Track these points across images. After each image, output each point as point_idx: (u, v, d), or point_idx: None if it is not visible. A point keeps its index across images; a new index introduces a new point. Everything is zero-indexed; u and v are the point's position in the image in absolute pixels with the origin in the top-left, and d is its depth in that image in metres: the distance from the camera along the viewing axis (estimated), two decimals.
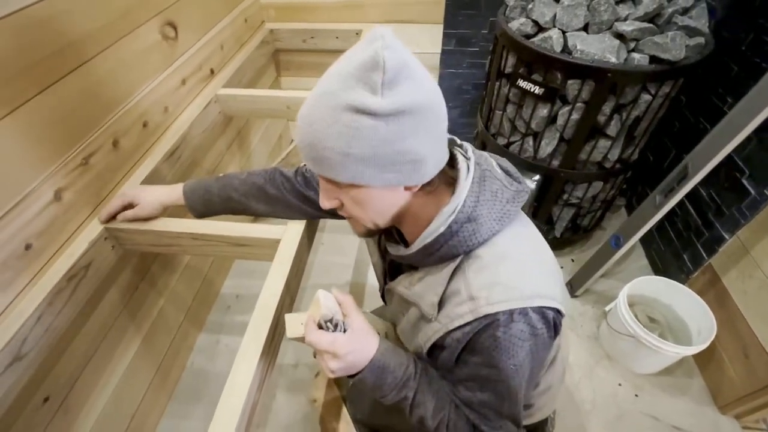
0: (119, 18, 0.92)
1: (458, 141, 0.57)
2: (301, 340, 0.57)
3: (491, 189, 0.52)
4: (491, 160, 0.58)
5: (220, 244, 0.87)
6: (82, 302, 0.84)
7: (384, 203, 0.51)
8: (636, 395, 1.24)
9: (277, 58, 1.84)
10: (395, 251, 0.60)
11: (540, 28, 1.13)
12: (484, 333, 0.51)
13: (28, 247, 0.74)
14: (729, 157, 1.10)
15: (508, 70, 1.24)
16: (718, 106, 1.28)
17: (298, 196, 0.79)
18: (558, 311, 0.52)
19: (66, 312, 0.79)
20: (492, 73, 1.34)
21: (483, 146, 1.51)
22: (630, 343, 1.20)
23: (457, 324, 0.51)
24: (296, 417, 1.20)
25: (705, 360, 1.27)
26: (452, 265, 0.53)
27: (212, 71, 1.33)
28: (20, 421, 0.76)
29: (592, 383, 1.27)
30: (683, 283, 1.28)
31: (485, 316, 0.49)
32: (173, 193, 0.83)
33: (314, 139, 0.46)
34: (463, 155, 0.56)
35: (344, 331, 0.55)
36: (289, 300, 0.81)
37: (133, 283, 1.05)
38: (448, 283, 0.53)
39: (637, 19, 1.03)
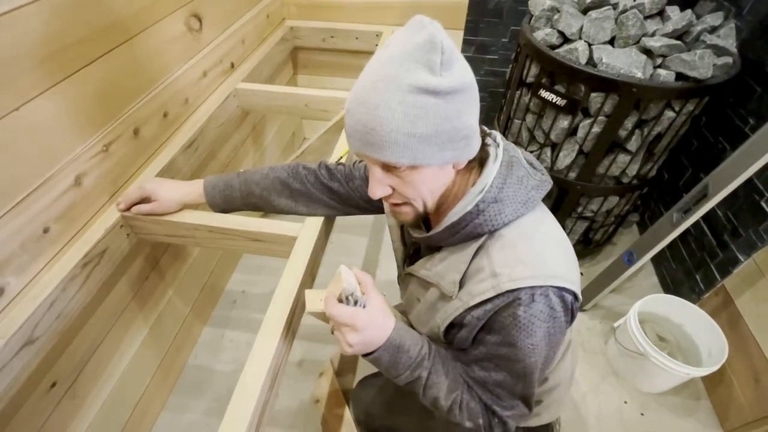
0: (149, 6, 0.92)
1: (486, 129, 0.60)
2: (320, 315, 0.58)
3: (517, 174, 0.55)
4: (518, 149, 0.60)
5: (236, 238, 0.86)
6: (95, 289, 0.83)
7: (437, 182, 0.53)
8: (642, 414, 1.23)
9: (295, 56, 1.84)
10: (419, 233, 0.62)
11: (566, 40, 1.13)
12: (504, 311, 0.52)
13: (46, 230, 0.74)
14: (749, 179, 1.09)
15: (530, 79, 1.23)
16: (739, 127, 1.27)
17: (323, 189, 0.79)
18: (575, 296, 0.54)
19: (78, 298, 0.79)
20: (513, 82, 1.34)
21: None
22: (638, 360, 1.19)
23: (478, 300, 0.53)
24: (298, 417, 1.20)
25: (714, 382, 1.25)
26: (475, 244, 0.54)
27: (232, 65, 1.33)
28: (27, 405, 0.75)
29: (597, 399, 1.26)
30: (694, 303, 1.27)
31: (507, 293, 0.51)
32: (193, 191, 0.83)
33: (377, 124, 0.46)
34: (492, 140, 0.58)
35: (364, 307, 0.55)
36: (302, 298, 0.80)
37: (143, 272, 1.04)
38: (471, 261, 0.55)
39: (665, 35, 1.02)
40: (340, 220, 1.77)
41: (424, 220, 0.65)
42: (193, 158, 1.10)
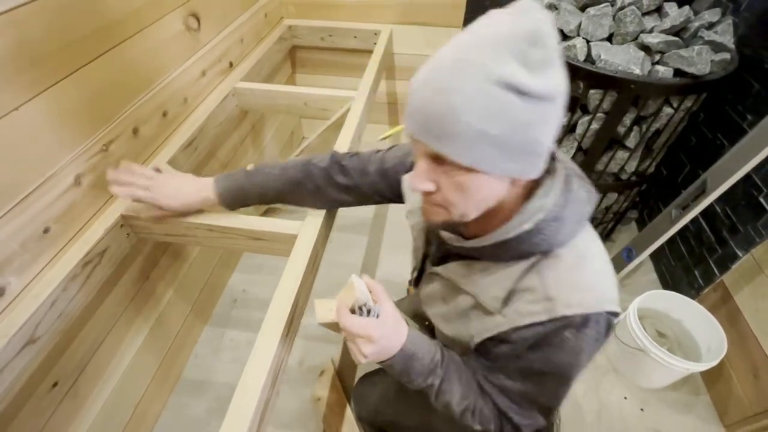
0: (146, 5, 0.92)
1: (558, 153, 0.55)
2: (331, 325, 0.58)
3: (575, 191, 0.51)
4: (568, 159, 0.56)
5: (236, 237, 0.86)
6: (95, 289, 0.83)
7: (490, 193, 0.47)
8: (641, 409, 1.23)
9: (294, 55, 1.84)
10: (456, 241, 0.57)
11: (564, 37, 1.13)
12: (555, 334, 0.50)
13: (46, 230, 0.74)
14: (747, 175, 1.10)
15: None
16: (737, 123, 1.27)
17: (337, 188, 0.78)
18: (617, 315, 0.53)
19: (79, 298, 0.79)
20: None
21: None
22: (638, 356, 1.19)
23: (527, 322, 0.50)
24: (299, 415, 1.20)
25: (713, 378, 1.26)
26: (526, 263, 0.51)
27: (231, 64, 1.33)
28: (29, 405, 0.75)
29: (597, 395, 1.26)
30: (693, 299, 1.27)
31: (561, 318, 0.48)
32: (203, 194, 0.78)
33: (447, 110, 0.40)
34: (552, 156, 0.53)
35: (377, 316, 0.55)
36: (304, 297, 0.80)
37: (144, 272, 1.04)
38: (519, 279, 0.51)
39: (663, 31, 1.02)
40: (340, 219, 1.77)
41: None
42: (192, 157, 1.10)
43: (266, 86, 1.30)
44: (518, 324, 0.51)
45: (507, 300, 0.52)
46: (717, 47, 1.04)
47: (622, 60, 1.01)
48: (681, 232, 1.40)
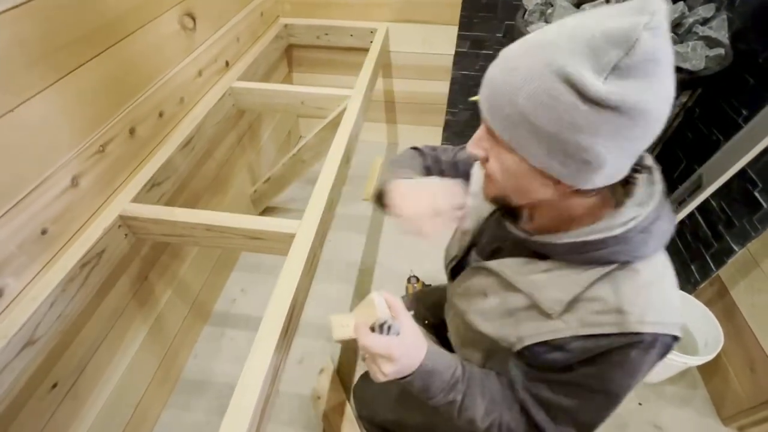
0: (142, 5, 0.92)
1: (646, 158, 0.52)
2: (348, 342, 0.57)
3: (666, 207, 0.49)
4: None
5: (234, 237, 0.87)
6: (94, 290, 0.84)
7: (530, 185, 0.47)
8: (640, 404, 1.24)
9: (290, 54, 1.84)
10: (522, 233, 0.55)
11: None
12: (618, 351, 0.47)
13: (44, 232, 0.74)
14: (742, 170, 1.10)
15: None
16: (732, 118, 1.28)
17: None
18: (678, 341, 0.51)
19: (78, 299, 0.79)
20: None
21: None
22: None
23: (592, 332, 0.47)
24: (299, 413, 1.20)
25: (710, 371, 1.26)
26: (599, 271, 0.48)
27: (227, 64, 1.33)
28: (28, 406, 0.75)
29: None
30: (690, 294, 1.28)
31: (632, 334, 0.46)
32: None
33: (504, 85, 0.41)
34: (645, 167, 0.51)
35: (397, 334, 0.54)
36: (302, 295, 0.80)
37: (143, 272, 1.04)
38: (589, 286, 0.48)
39: None
40: (338, 218, 1.77)
41: (511, 212, 0.60)
42: (189, 157, 1.10)
43: (262, 85, 1.30)
44: (580, 333, 0.48)
45: (570, 306, 0.49)
46: (711, 43, 1.04)
47: None
48: (677, 228, 1.41)
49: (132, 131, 0.93)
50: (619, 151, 0.40)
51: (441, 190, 0.60)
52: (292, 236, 0.82)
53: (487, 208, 0.67)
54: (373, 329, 0.54)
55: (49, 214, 0.75)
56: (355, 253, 1.64)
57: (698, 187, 1.07)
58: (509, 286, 0.56)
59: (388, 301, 0.55)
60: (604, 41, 0.36)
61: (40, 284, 0.73)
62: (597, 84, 0.37)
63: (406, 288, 1.48)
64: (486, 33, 1.66)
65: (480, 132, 0.49)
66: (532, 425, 0.56)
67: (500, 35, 1.65)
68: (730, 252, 1.19)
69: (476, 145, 0.50)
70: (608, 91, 0.36)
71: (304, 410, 1.21)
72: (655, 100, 0.38)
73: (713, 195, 1.19)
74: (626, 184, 0.49)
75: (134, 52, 0.91)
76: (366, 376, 1.08)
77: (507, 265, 0.57)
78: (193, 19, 1.12)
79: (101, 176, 0.86)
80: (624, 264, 0.47)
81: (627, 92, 0.37)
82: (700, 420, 1.21)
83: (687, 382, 1.29)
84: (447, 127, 2.05)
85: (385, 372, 0.52)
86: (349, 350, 1.34)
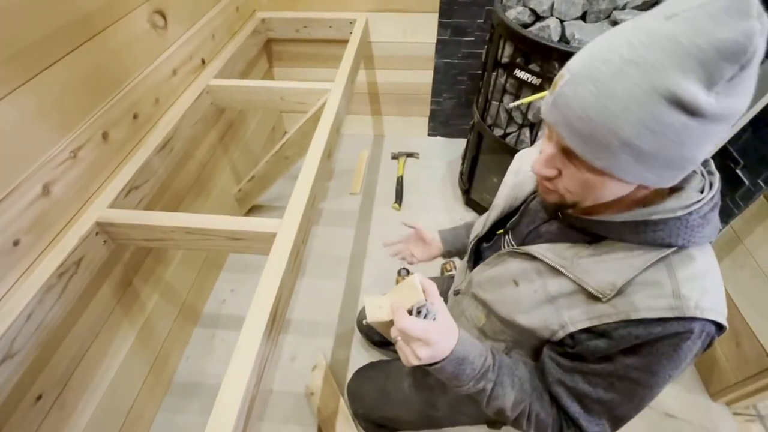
0: (107, 5, 0.89)
1: None
2: (381, 324, 0.56)
3: (720, 198, 0.49)
4: None
5: (214, 238, 0.85)
6: (74, 298, 0.82)
7: (612, 193, 0.46)
8: None
9: (270, 48, 1.81)
10: (576, 213, 0.54)
11: (537, 17, 1.12)
12: (668, 339, 0.46)
13: (16, 243, 0.72)
14: (724, 148, 1.11)
15: (505, 60, 1.22)
16: None
17: None
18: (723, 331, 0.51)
19: (57, 309, 0.77)
20: (488, 63, 1.33)
21: (479, 138, 1.50)
22: None
23: (645, 316, 0.46)
24: (293, 410, 1.20)
25: None
26: (654, 254, 0.46)
27: (203, 61, 1.30)
28: (13, 419, 0.74)
29: None
30: None
31: (687, 320, 0.45)
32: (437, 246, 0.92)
33: (599, 114, 0.38)
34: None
35: (434, 318, 0.53)
36: (286, 294, 0.80)
37: (126, 277, 1.03)
38: (644, 270, 0.47)
39: (636, 7, 1.02)
40: (326, 213, 1.76)
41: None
42: (168, 159, 1.08)
43: (240, 82, 1.28)
44: (632, 317, 0.46)
45: (623, 290, 0.47)
46: None
47: None
48: None
49: (105, 135, 0.91)
50: (709, 148, 0.40)
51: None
52: (273, 235, 0.81)
53: (529, 189, 0.66)
54: (410, 312, 0.53)
55: (21, 225, 0.73)
56: (344, 248, 1.64)
57: None
58: (551, 272, 0.54)
59: (423, 285, 0.55)
60: (716, 55, 0.34)
61: (16, 296, 0.71)
62: (709, 102, 0.35)
63: (396, 281, 1.48)
64: (467, 19, 1.64)
65: (551, 151, 0.46)
66: (564, 416, 0.56)
67: (481, 21, 1.64)
68: None
69: (547, 165, 0.47)
70: (721, 107, 0.36)
71: (298, 407, 1.21)
72: (749, 95, 0.37)
73: None
74: None
75: (102, 53, 0.89)
76: (358, 374, 1.08)
77: (549, 249, 0.55)
78: (164, 16, 1.09)
79: (75, 183, 0.84)
80: (679, 249, 0.46)
81: (736, 102, 0.36)
82: (689, 396, 1.23)
83: None
84: (432, 116, 2.04)
85: (420, 356, 0.51)
86: (341, 345, 1.34)
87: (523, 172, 0.67)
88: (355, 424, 1.14)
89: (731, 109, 0.36)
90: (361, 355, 1.31)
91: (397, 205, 1.78)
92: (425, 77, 1.85)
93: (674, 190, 0.48)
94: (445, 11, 1.62)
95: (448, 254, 0.92)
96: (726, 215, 1.17)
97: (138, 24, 0.99)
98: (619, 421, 0.54)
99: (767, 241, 1.08)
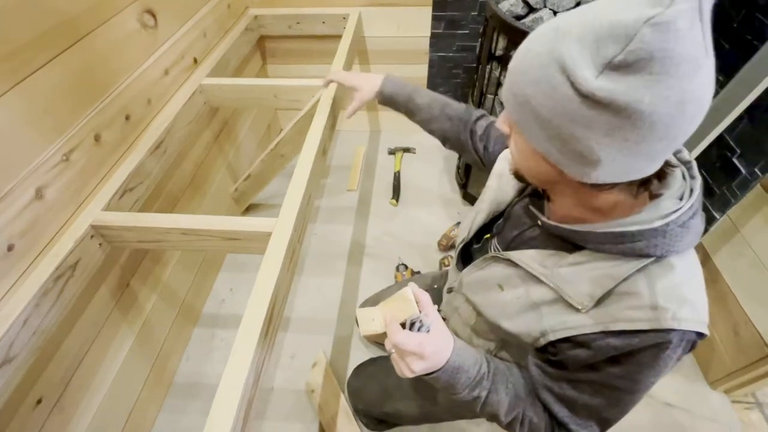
0: (96, 5, 0.88)
1: (683, 152, 0.50)
2: (375, 336, 0.56)
3: (701, 204, 0.48)
4: None
5: (210, 239, 0.85)
6: (71, 302, 0.82)
7: (538, 167, 0.47)
8: None
9: (263, 45, 1.79)
10: (553, 222, 0.54)
11: (531, 9, 1.11)
12: (647, 350, 0.46)
13: (10, 248, 0.72)
14: (720, 137, 1.10)
15: (499, 52, 1.22)
16: None
17: (470, 145, 0.83)
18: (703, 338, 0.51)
19: (54, 312, 0.77)
20: (483, 57, 1.32)
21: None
22: None
23: (623, 328, 0.46)
24: (294, 407, 1.21)
25: None
26: (634, 264, 0.46)
27: (195, 60, 1.29)
28: (14, 423, 0.75)
29: None
30: None
31: (664, 331, 0.45)
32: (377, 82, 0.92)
33: (517, 65, 0.42)
34: (682, 161, 0.50)
35: (428, 330, 0.53)
36: (282, 293, 0.80)
37: (123, 279, 1.03)
38: (623, 281, 0.47)
39: None
40: (323, 212, 1.76)
41: (542, 197, 0.60)
42: (162, 160, 1.08)
43: (233, 80, 1.27)
44: (610, 329, 0.47)
45: (601, 300, 0.48)
46: None
47: None
48: None
49: (97, 137, 0.90)
50: (618, 150, 0.38)
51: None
52: (268, 235, 0.81)
53: (512, 193, 0.66)
54: (404, 325, 0.53)
55: (15, 229, 0.73)
56: (342, 245, 1.64)
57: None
58: (532, 279, 0.54)
59: (416, 296, 0.55)
60: (608, 33, 0.34)
61: (12, 302, 0.71)
62: (590, 78, 0.35)
63: (395, 276, 1.49)
64: (461, 12, 1.62)
65: (505, 111, 0.49)
66: (555, 421, 0.56)
67: (475, 13, 1.62)
68: (712, 220, 1.20)
69: (502, 120, 0.50)
70: (598, 87, 0.35)
71: (299, 405, 1.21)
72: (657, 102, 0.34)
73: None
74: (660, 178, 0.47)
75: (92, 55, 0.88)
76: (358, 370, 1.09)
77: (530, 257, 0.55)
78: (154, 15, 1.08)
79: (68, 186, 0.83)
80: (659, 258, 0.46)
81: (618, 90, 0.35)
82: (689, 385, 1.23)
83: None
84: None
85: (415, 369, 0.52)
86: (341, 342, 1.35)
87: (507, 175, 0.67)
88: (356, 420, 1.15)
89: (615, 96, 0.35)
90: (361, 352, 1.31)
91: (394, 201, 1.78)
92: (420, 71, 1.84)
93: (653, 197, 0.47)
94: (438, 4, 1.61)
95: (380, 97, 0.93)
96: (723, 205, 1.16)
97: (128, 24, 0.98)
98: (607, 423, 0.55)
99: (764, 229, 1.07)
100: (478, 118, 0.84)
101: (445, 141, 0.90)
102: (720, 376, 1.19)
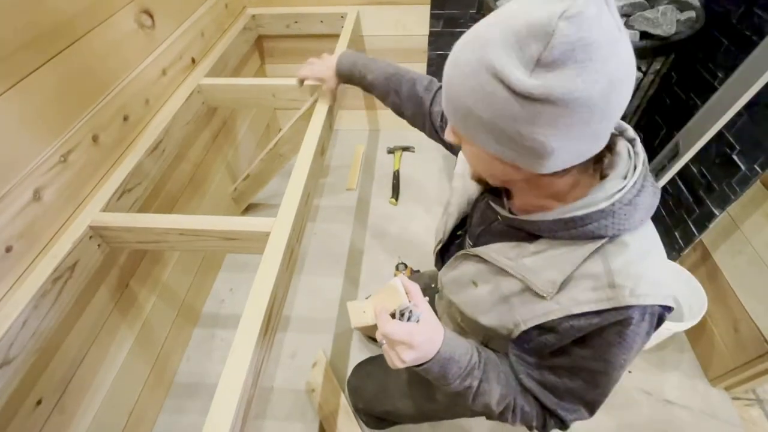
0: (92, 5, 0.88)
1: (628, 130, 0.51)
2: (365, 328, 0.57)
3: (650, 180, 0.49)
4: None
5: (209, 239, 0.85)
6: (70, 303, 0.82)
7: (494, 168, 0.48)
8: (629, 371, 1.26)
9: (261, 45, 1.79)
10: (509, 214, 0.56)
11: None
12: (610, 328, 0.48)
13: (8, 249, 0.72)
14: (719, 133, 1.10)
15: None
16: (708, 81, 1.27)
17: (425, 114, 0.82)
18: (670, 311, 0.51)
19: (53, 314, 0.77)
20: None
21: None
22: None
23: (585, 309, 0.47)
24: (295, 407, 1.21)
25: (696, 335, 1.29)
26: (589, 247, 0.47)
27: (193, 60, 1.29)
28: (14, 424, 0.75)
29: None
30: (675, 261, 1.29)
31: (624, 308, 0.46)
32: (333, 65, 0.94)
33: (450, 78, 0.43)
34: (622, 135, 0.51)
35: (417, 320, 0.53)
36: (281, 293, 0.80)
37: (122, 280, 1.03)
38: (581, 264, 0.48)
39: None
40: (322, 211, 1.76)
41: (497, 194, 0.61)
42: (160, 160, 1.07)
43: (231, 80, 1.27)
44: (573, 312, 0.48)
45: (563, 285, 0.49)
46: (682, 6, 1.02)
47: None
48: (660, 195, 1.41)
49: (95, 138, 0.90)
50: (566, 137, 0.40)
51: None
52: (267, 235, 0.81)
53: (476, 191, 0.67)
54: (393, 316, 0.54)
55: (13, 231, 0.73)
56: (342, 244, 1.64)
57: (676, 154, 1.07)
58: (501, 272, 0.55)
59: (406, 287, 0.55)
60: (527, 34, 0.36)
61: (10, 303, 0.71)
62: (523, 78, 0.37)
63: (395, 275, 1.48)
64: (459, 10, 1.62)
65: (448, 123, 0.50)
66: (544, 408, 0.57)
67: (474, 11, 1.62)
68: (711, 216, 1.20)
69: (449, 132, 0.51)
70: (533, 86, 0.36)
71: (299, 404, 1.21)
72: (590, 85, 0.36)
73: (692, 160, 1.19)
74: (608, 157, 0.48)
75: (89, 56, 0.88)
76: (358, 369, 1.09)
77: (495, 250, 0.57)
78: (151, 16, 1.08)
79: (66, 187, 0.83)
80: (613, 238, 0.47)
81: (552, 84, 0.36)
82: (689, 383, 1.23)
83: (675, 347, 1.31)
84: None
85: (405, 359, 0.52)
86: (341, 341, 1.35)
87: (466, 174, 0.67)
88: (357, 418, 1.15)
89: (552, 90, 0.36)
90: (361, 351, 1.31)
91: (394, 200, 1.78)
92: (419, 70, 1.83)
93: (601, 178, 0.49)
94: (437, 2, 1.60)
95: (341, 80, 0.96)
96: (723, 201, 1.16)
97: (125, 24, 0.98)
98: (592, 405, 0.56)
99: (764, 226, 1.07)
100: (432, 102, 0.81)
101: (407, 120, 0.90)
102: (720, 373, 1.19)
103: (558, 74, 0.36)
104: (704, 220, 1.23)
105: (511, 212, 0.57)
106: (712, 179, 1.21)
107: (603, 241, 0.47)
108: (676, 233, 1.35)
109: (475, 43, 0.40)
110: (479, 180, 0.57)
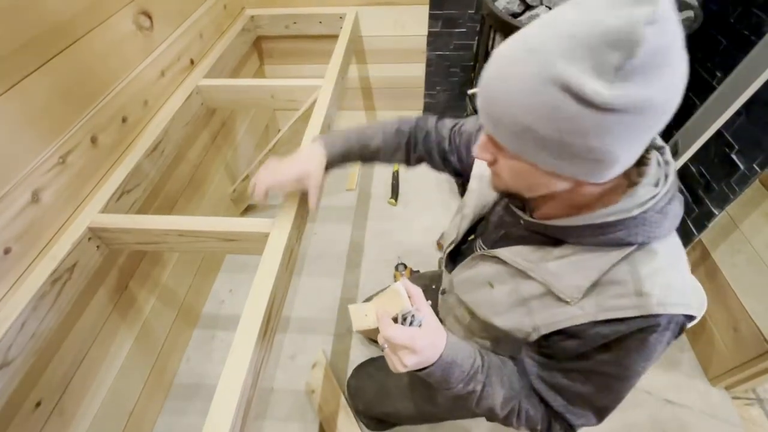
0: (90, 7, 0.88)
1: (656, 138, 0.50)
2: (367, 332, 0.57)
3: (678, 189, 0.49)
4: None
5: (208, 240, 0.85)
6: (69, 305, 0.82)
7: (540, 183, 0.46)
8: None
9: (260, 46, 1.79)
10: (536, 219, 0.54)
11: (527, 6, 1.11)
12: (634, 335, 0.47)
13: (7, 251, 0.72)
14: (718, 133, 1.10)
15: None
16: (706, 81, 1.27)
17: (442, 157, 0.76)
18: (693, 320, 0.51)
19: (52, 315, 0.77)
20: (480, 55, 1.32)
21: None
22: None
23: (611, 316, 0.47)
24: (294, 408, 1.21)
25: (696, 334, 1.29)
26: (617, 254, 0.47)
27: (192, 61, 1.29)
28: (13, 425, 0.75)
29: None
30: None
31: (651, 316, 0.45)
32: (322, 159, 0.76)
33: (501, 98, 0.40)
34: (656, 146, 0.50)
35: (420, 325, 0.53)
36: (281, 294, 0.79)
37: (122, 282, 1.03)
38: (609, 270, 0.47)
39: None
40: (322, 212, 1.76)
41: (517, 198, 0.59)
42: (159, 162, 1.07)
43: (230, 81, 1.27)
44: (599, 318, 0.47)
45: (589, 291, 0.48)
46: (681, 5, 1.02)
47: None
48: None
49: (94, 139, 0.90)
50: (631, 144, 0.39)
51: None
52: (266, 236, 0.81)
53: (493, 194, 0.66)
54: (395, 320, 0.53)
55: (11, 233, 0.72)
56: (341, 244, 1.64)
57: (675, 153, 1.07)
58: (521, 274, 0.55)
59: (409, 291, 0.55)
60: (604, 43, 0.34)
61: (9, 305, 0.71)
62: (600, 90, 0.34)
63: (394, 276, 1.48)
64: (458, 10, 1.62)
65: (483, 138, 0.48)
66: (551, 412, 0.57)
67: (472, 11, 1.62)
68: (711, 216, 1.20)
69: (482, 150, 0.48)
70: (614, 96, 0.34)
71: (299, 405, 1.21)
72: (666, 89, 0.36)
73: (692, 160, 1.19)
74: (639, 165, 0.47)
75: (88, 57, 0.88)
76: (358, 370, 1.08)
77: (518, 253, 0.56)
78: (149, 17, 1.08)
79: (65, 189, 0.83)
80: (642, 245, 0.46)
81: (634, 93, 0.35)
82: (689, 382, 1.23)
83: (675, 346, 1.31)
84: (427, 109, 2.02)
85: (407, 363, 0.52)
86: (341, 342, 1.35)
87: (487, 176, 0.66)
88: (356, 420, 1.15)
89: (632, 99, 0.35)
90: (361, 352, 1.31)
91: (393, 200, 1.78)
92: (418, 70, 1.84)
93: (631, 185, 0.47)
94: (435, 3, 1.60)
95: (332, 166, 0.79)
96: (722, 201, 1.16)
97: (123, 26, 0.98)
98: (602, 411, 0.55)
99: (763, 225, 1.07)
100: (440, 139, 0.77)
101: (419, 163, 0.82)
102: (720, 373, 1.19)
103: (638, 82, 0.34)
104: (703, 220, 1.23)
105: (531, 216, 0.56)
106: (711, 178, 1.21)
107: (632, 248, 0.46)
108: None
109: (529, 59, 0.37)
110: (507, 194, 0.54)
